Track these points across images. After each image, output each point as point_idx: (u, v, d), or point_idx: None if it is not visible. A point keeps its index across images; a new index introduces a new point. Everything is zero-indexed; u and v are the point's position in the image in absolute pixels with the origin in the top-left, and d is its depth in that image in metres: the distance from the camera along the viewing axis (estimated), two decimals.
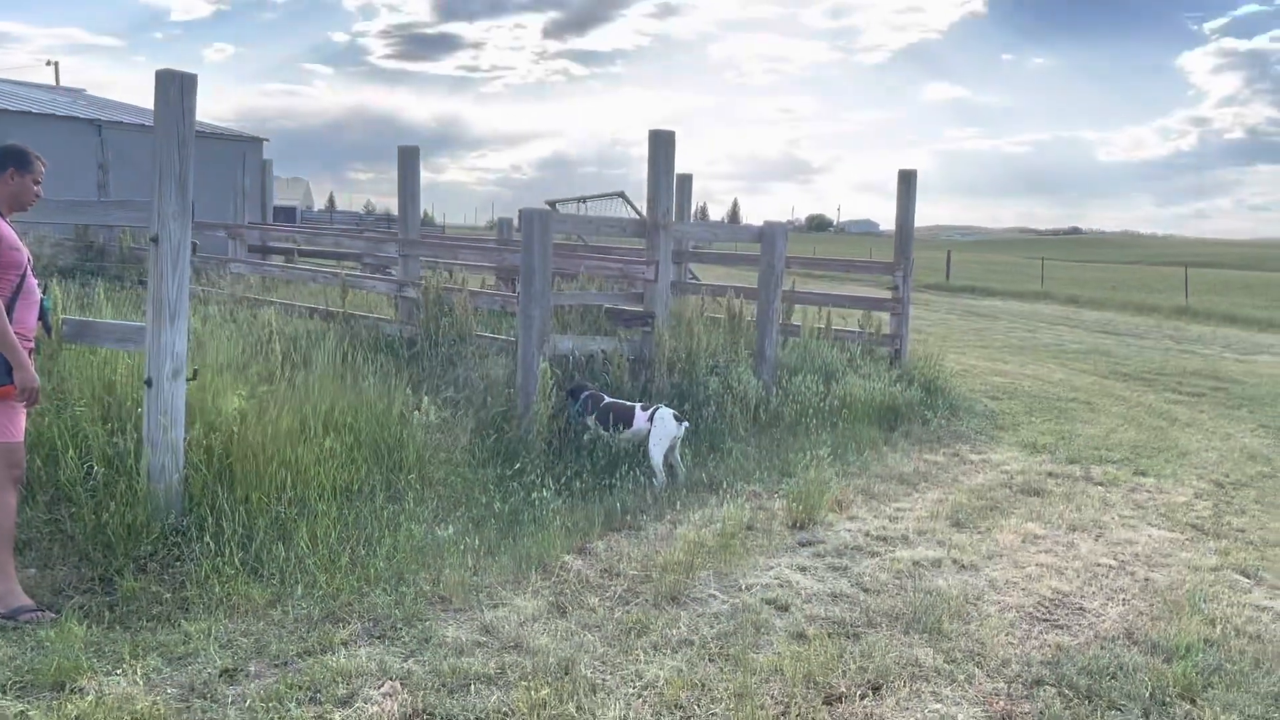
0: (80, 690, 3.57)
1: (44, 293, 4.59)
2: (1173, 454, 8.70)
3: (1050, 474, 7.78)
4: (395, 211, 12.18)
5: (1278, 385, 13.40)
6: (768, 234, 9.21)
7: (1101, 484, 7.56)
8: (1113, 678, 4.17)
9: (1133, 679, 4.15)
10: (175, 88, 4.86)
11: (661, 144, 8.42)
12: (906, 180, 11.66)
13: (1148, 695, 4.01)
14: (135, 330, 5.18)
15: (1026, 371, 13.73)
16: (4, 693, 3.57)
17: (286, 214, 45.66)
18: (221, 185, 17.82)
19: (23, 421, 4.36)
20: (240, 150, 21.48)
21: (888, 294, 11.95)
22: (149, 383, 4.90)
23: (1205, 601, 5.11)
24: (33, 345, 4.44)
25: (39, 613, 4.20)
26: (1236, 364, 15.96)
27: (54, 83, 35.61)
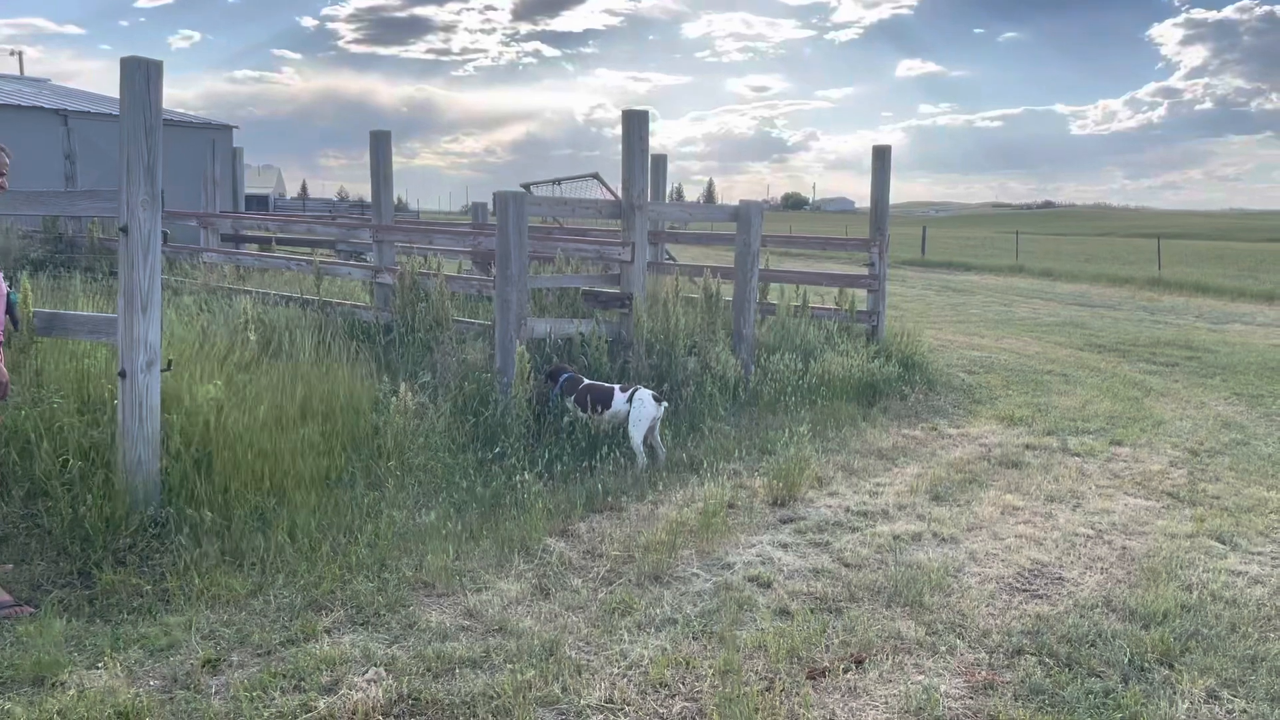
0: (61, 685, 3.55)
1: (12, 285, 4.54)
2: (1148, 423, 8.78)
3: (1028, 446, 7.84)
4: (369, 198, 12.09)
5: (1250, 353, 13.55)
6: (743, 213, 9.20)
7: (1078, 455, 7.63)
8: (1092, 645, 4.22)
9: (1111, 646, 4.20)
10: (141, 75, 4.79)
11: (635, 124, 8.38)
12: (881, 157, 11.67)
13: (1126, 661, 4.07)
14: (107, 322, 5.13)
15: (1003, 345, 13.82)
16: None
17: (259, 202, 45.27)
18: (191, 174, 17.62)
19: None
20: (209, 138, 21.22)
21: (864, 271, 11.98)
22: (123, 374, 4.85)
23: (1181, 568, 5.18)
24: (1, 339, 4.39)
25: (17, 608, 4.16)
26: (1209, 333, 16.12)
27: (18, 72, 35.06)
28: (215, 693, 3.57)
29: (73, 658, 3.75)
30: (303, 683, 3.64)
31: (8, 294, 4.44)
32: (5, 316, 4.46)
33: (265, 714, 3.41)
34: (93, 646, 3.86)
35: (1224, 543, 5.68)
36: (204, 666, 3.75)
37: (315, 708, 3.46)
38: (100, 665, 3.69)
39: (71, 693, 3.47)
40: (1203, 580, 5.01)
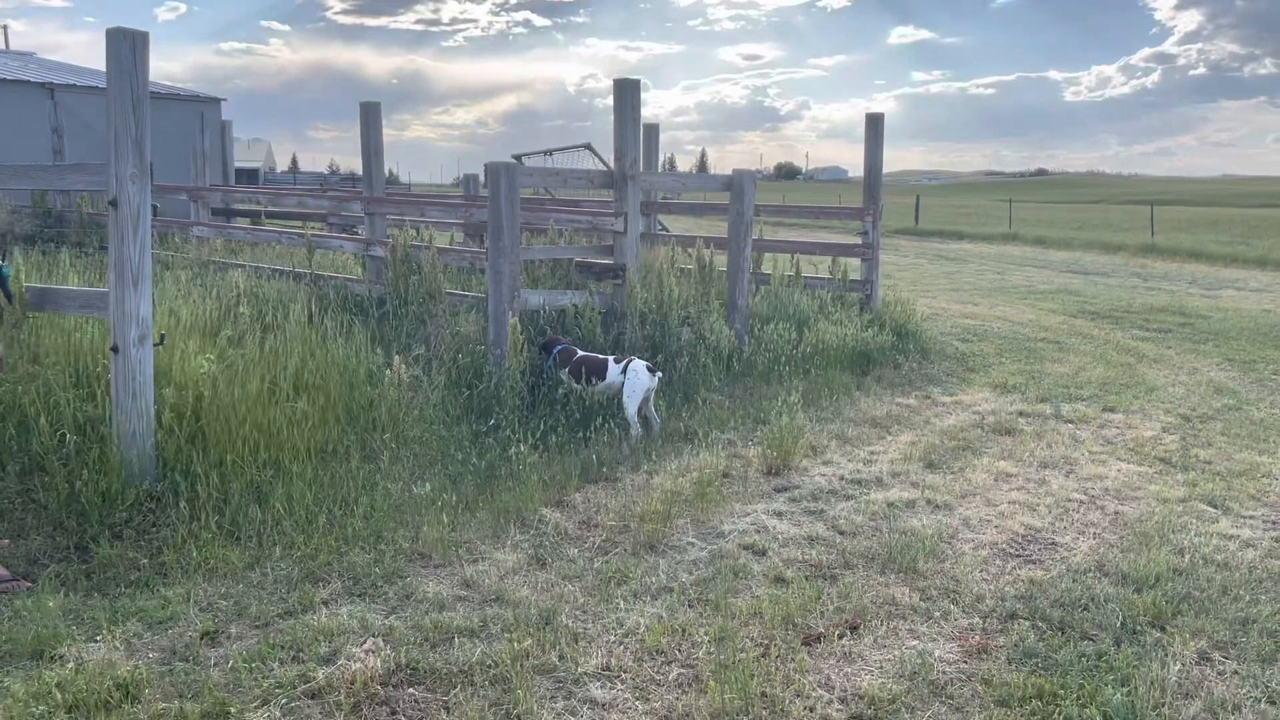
0: (60, 658, 3.56)
1: (4, 260, 4.51)
2: (1140, 390, 8.81)
3: (1021, 413, 7.87)
4: (360, 171, 12.01)
5: (1242, 319, 13.58)
6: (736, 182, 9.17)
7: (1071, 421, 7.66)
8: (1085, 609, 4.26)
9: (1104, 609, 4.24)
10: (127, 46, 4.75)
11: (627, 93, 8.32)
12: (874, 125, 11.61)
13: (1119, 624, 4.10)
14: (98, 296, 5.11)
15: (996, 313, 13.83)
16: None
17: (249, 176, 44.97)
18: (180, 148, 17.49)
19: None
20: (198, 111, 21.05)
21: (857, 240, 11.96)
22: (115, 349, 4.84)
23: (1174, 533, 5.21)
24: None
25: (15, 582, 4.17)
26: (1202, 299, 16.15)
27: (3, 46, 34.69)
28: (214, 664, 3.59)
29: (71, 631, 3.76)
30: (301, 654, 3.66)
31: (1, 269, 4.42)
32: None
33: (264, 685, 3.43)
34: (91, 620, 3.87)
35: (1216, 507, 5.72)
36: (202, 638, 3.76)
37: (314, 678, 3.48)
38: (99, 638, 3.71)
39: (70, 666, 3.48)
40: (1194, 544, 5.05)
